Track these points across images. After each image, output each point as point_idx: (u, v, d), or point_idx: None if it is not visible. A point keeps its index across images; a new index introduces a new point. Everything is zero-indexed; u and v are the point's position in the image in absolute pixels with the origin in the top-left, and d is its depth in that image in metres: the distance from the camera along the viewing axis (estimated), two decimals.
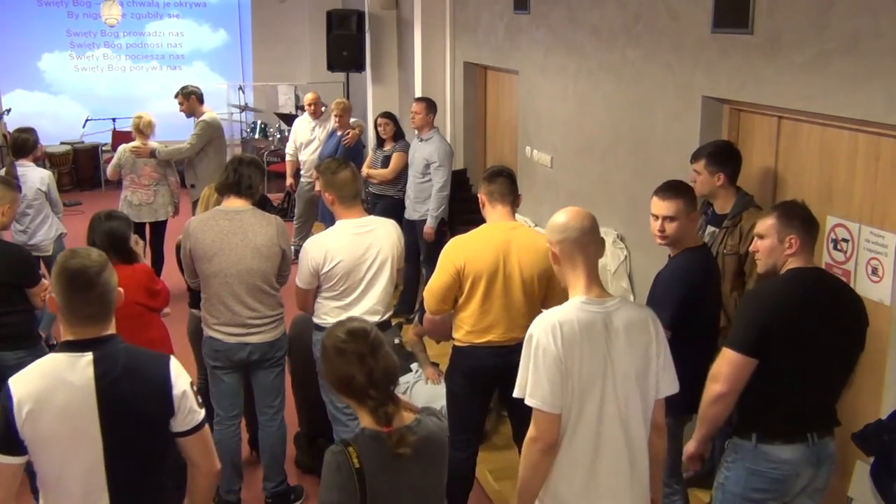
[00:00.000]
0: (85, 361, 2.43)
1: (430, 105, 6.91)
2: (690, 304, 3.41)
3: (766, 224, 3.13)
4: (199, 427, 2.56)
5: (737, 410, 3.09)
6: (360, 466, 2.35)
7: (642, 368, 2.71)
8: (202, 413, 2.57)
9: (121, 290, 2.55)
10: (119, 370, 2.45)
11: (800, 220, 3.08)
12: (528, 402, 2.66)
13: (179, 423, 2.52)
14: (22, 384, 2.40)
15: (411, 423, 2.47)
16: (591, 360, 2.64)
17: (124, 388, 2.45)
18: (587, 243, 2.75)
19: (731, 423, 3.16)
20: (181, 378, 2.54)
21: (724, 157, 4.07)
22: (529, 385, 2.65)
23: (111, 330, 2.51)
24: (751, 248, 3.25)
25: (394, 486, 2.41)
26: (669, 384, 2.76)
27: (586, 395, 2.65)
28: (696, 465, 3.34)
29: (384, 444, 2.38)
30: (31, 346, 4.32)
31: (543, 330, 2.64)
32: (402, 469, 2.41)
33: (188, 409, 2.52)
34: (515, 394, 2.70)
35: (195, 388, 2.58)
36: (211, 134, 7.48)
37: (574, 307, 2.70)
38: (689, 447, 3.26)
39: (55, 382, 2.40)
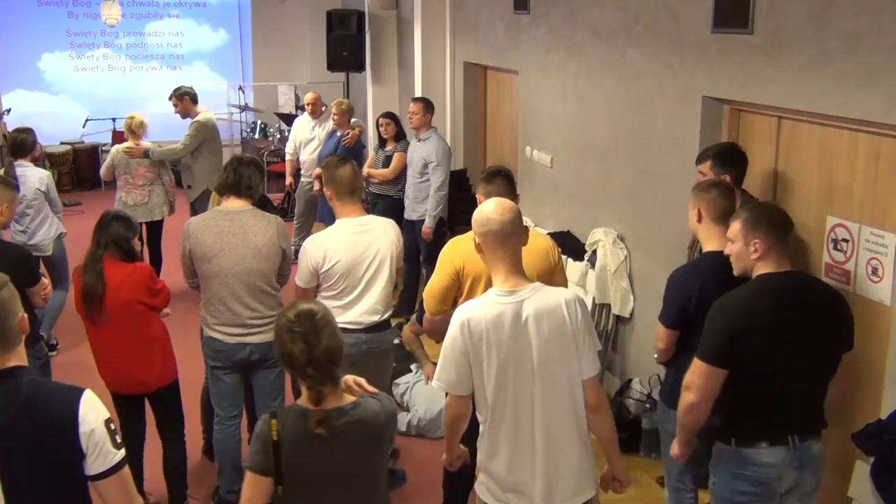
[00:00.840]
0: None
1: (427, 105, 6.92)
2: (697, 305, 3.38)
3: (734, 228, 3.12)
4: (114, 470, 2.27)
5: (718, 415, 3.09)
6: (277, 439, 2.51)
7: (558, 352, 2.85)
8: (119, 454, 2.29)
9: (24, 315, 2.32)
10: (17, 407, 2.21)
11: (767, 223, 3.03)
12: (434, 384, 2.97)
13: (90, 466, 2.25)
14: None
15: (346, 405, 2.57)
16: (498, 350, 2.82)
17: (22, 427, 2.21)
18: (508, 235, 2.89)
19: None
20: (92, 415, 2.25)
21: (730, 158, 4.02)
22: (438, 369, 2.92)
23: (16, 361, 2.28)
24: (725, 252, 3.21)
25: (311, 462, 2.54)
26: (589, 366, 2.89)
27: (499, 381, 2.85)
28: (684, 459, 3.35)
29: (308, 422, 2.50)
30: (31, 345, 4.32)
31: (455, 323, 2.87)
32: (322, 447, 2.51)
33: (99, 449, 2.25)
34: (433, 377, 2.99)
35: (113, 425, 2.30)
36: (205, 134, 7.47)
37: (486, 299, 2.90)
38: (673, 448, 3.30)
39: None
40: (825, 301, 3.06)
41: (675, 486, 3.73)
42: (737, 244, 3.11)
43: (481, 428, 2.99)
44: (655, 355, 3.75)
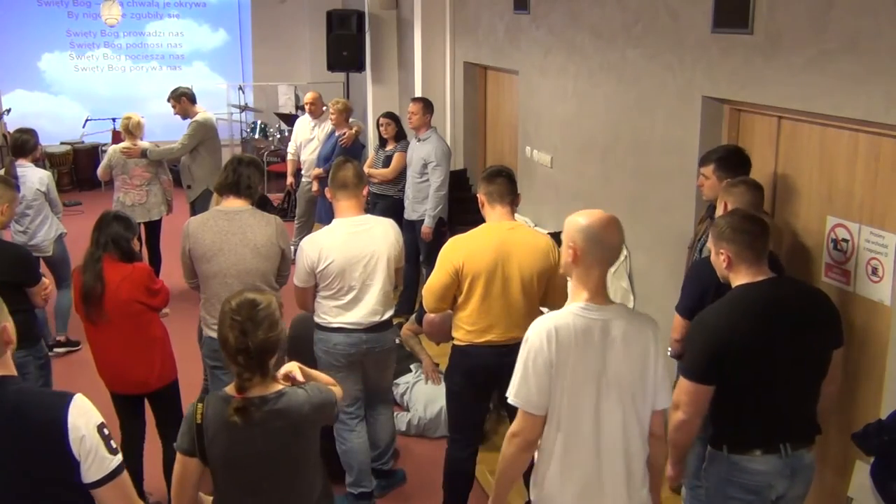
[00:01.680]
0: None
1: (426, 105, 6.92)
2: (715, 297, 3.32)
3: (710, 235, 3.12)
4: (111, 476, 2.21)
5: (710, 422, 3.08)
6: (200, 423, 2.66)
7: (638, 378, 2.69)
8: (115, 459, 2.23)
9: (8, 326, 2.26)
10: (4, 417, 2.16)
11: (731, 231, 2.98)
12: (511, 400, 2.70)
13: (86, 473, 2.18)
14: None
15: (270, 394, 2.67)
16: (584, 366, 2.64)
17: (11, 435, 2.15)
18: (610, 259, 2.75)
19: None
20: (82, 420, 2.18)
21: (733, 163, 4.01)
22: (516, 384, 2.69)
23: (4, 371, 2.23)
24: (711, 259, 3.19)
25: (229, 446, 2.66)
26: (666, 397, 2.76)
27: (578, 401, 2.66)
28: (677, 481, 3.33)
29: (227, 408, 2.62)
30: (31, 346, 4.32)
31: (538, 333, 2.66)
32: (240, 433, 2.63)
33: (93, 456, 2.18)
34: (507, 392, 2.73)
35: (107, 430, 2.24)
36: (203, 134, 7.47)
37: (572, 312, 2.69)
38: (667, 470, 3.22)
39: None
40: (806, 303, 3.01)
41: (693, 483, 3.72)
42: (712, 253, 3.11)
43: (541, 453, 2.75)
44: (669, 349, 3.74)
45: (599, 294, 2.71)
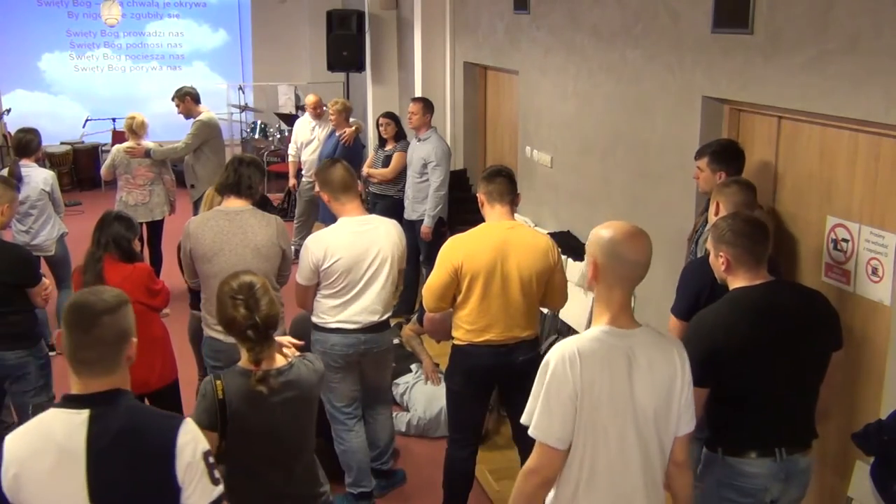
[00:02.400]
0: (80, 420, 2.12)
1: (426, 105, 6.92)
2: (709, 299, 3.33)
3: (710, 237, 3.11)
4: None
5: (707, 424, 3.07)
6: (223, 398, 2.80)
7: (664, 405, 2.51)
8: (217, 490, 2.16)
9: (135, 341, 2.23)
10: (114, 433, 2.11)
11: (733, 235, 2.95)
12: (531, 433, 2.47)
13: (186, 502, 2.12)
14: (14, 442, 2.14)
15: (283, 366, 2.90)
16: (610, 396, 2.43)
17: (119, 455, 2.10)
18: (634, 278, 2.53)
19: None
20: (191, 446, 2.14)
21: (727, 155, 4.06)
22: (537, 414, 2.45)
23: (119, 384, 2.19)
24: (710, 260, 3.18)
25: (253, 417, 2.82)
26: (689, 422, 2.59)
27: (604, 433, 2.45)
28: None
29: (249, 381, 2.79)
30: (31, 346, 4.33)
31: (561, 358, 2.42)
32: (263, 404, 2.81)
33: (196, 484, 2.12)
34: (523, 420, 2.52)
35: (212, 458, 2.18)
36: (207, 134, 7.48)
37: (596, 336, 2.48)
38: None
39: (44, 444, 2.11)
40: (804, 307, 3.00)
41: (694, 483, 3.72)
42: (711, 254, 3.10)
43: (562, 488, 2.52)
44: None
45: (623, 315, 2.51)
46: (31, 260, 4.43)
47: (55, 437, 2.11)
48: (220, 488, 2.19)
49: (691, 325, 3.04)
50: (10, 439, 2.15)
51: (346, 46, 10.27)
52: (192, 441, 2.15)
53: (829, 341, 3.05)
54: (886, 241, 3.58)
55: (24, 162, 6.21)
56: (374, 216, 4.37)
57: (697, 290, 3.48)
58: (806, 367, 3.00)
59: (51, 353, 5.06)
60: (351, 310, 4.16)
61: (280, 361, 2.92)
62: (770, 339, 2.91)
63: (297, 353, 3.02)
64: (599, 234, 2.54)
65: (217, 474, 2.19)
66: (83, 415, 2.12)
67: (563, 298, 4.06)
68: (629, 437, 2.46)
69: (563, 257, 4.47)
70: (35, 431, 2.16)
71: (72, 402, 2.16)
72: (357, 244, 4.13)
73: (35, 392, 4.31)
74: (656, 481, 2.56)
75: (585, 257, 2.62)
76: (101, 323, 2.14)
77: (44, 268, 5.30)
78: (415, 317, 5.87)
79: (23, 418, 4.35)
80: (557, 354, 2.43)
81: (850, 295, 3.77)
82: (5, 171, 5.95)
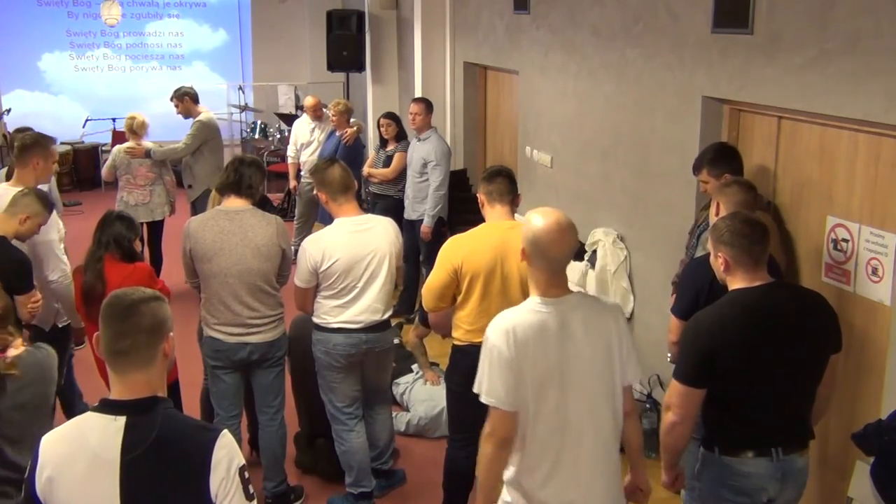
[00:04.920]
0: (116, 427, 2.08)
1: (428, 105, 6.93)
2: (709, 298, 3.33)
3: (710, 237, 3.11)
4: None
5: (704, 424, 3.08)
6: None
7: (604, 361, 2.78)
8: None
9: (172, 336, 2.19)
10: (149, 443, 2.06)
11: (732, 236, 2.95)
12: (483, 399, 2.77)
13: None
14: (49, 445, 2.12)
15: (21, 353, 3.08)
16: (545, 360, 2.71)
17: (153, 464, 2.06)
18: (556, 268, 2.79)
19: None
20: (226, 460, 2.08)
21: (723, 158, 4.08)
22: (485, 384, 2.76)
23: (157, 387, 2.15)
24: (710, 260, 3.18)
25: (2, 401, 2.98)
26: (633, 371, 2.85)
27: (542, 393, 2.72)
28: (678, 487, 3.32)
29: None
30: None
31: (497, 333, 2.73)
32: (5, 388, 2.98)
33: (230, 499, 2.07)
34: (475, 389, 2.80)
35: (247, 474, 2.12)
36: (206, 134, 7.48)
37: (529, 308, 2.78)
38: (662, 477, 3.22)
39: (79, 449, 2.09)
40: (803, 308, 2.99)
41: (692, 483, 3.72)
42: (711, 254, 3.10)
43: (514, 449, 2.81)
44: (668, 356, 3.73)
45: (553, 287, 2.79)
46: (25, 265, 4.35)
47: (90, 442, 2.09)
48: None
49: (689, 324, 3.04)
50: (45, 441, 2.14)
51: (346, 46, 10.27)
52: (227, 455, 2.09)
53: (827, 344, 3.04)
54: (886, 241, 3.58)
55: None
56: (370, 216, 4.37)
57: (697, 290, 3.48)
58: (803, 368, 2.99)
59: (77, 347, 5.06)
60: (353, 310, 4.16)
61: (20, 347, 3.10)
62: (767, 340, 2.91)
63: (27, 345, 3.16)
64: (528, 227, 2.81)
65: (252, 490, 2.13)
66: (119, 422, 2.09)
67: None
68: (571, 394, 2.74)
69: None
70: (70, 435, 2.13)
71: (109, 407, 2.12)
72: (355, 244, 4.13)
73: None
74: (607, 432, 2.81)
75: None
76: (138, 311, 2.12)
77: None
78: (416, 318, 5.86)
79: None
80: (494, 328, 2.75)
81: (850, 295, 3.77)
82: (5, 171, 5.95)
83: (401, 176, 7.12)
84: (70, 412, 4.64)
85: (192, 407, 4.69)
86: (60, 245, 4.57)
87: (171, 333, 2.19)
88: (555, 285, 2.79)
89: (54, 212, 4.56)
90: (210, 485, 2.05)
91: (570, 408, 2.75)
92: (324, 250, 4.09)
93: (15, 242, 4.20)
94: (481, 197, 3.96)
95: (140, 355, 2.11)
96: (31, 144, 4.77)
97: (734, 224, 2.99)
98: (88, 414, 2.15)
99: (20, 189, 4.37)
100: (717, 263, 3.04)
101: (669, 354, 3.70)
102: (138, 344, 2.10)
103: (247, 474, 2.12)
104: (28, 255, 4.29)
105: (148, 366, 2.13)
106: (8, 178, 5.12)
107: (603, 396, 2.79)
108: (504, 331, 2.72)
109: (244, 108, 12.15)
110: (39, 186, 4.69)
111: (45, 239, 4.43)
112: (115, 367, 2.13)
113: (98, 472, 2.07)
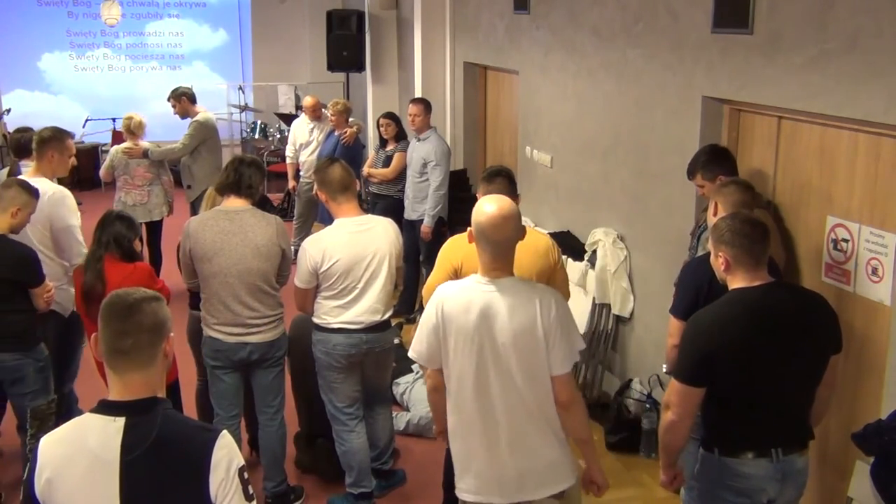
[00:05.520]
0: (115, 428, 2.07)
1: (427, 106, 6.94)
2: (707, 298, 3.32)
3: (710, 237, 3.11)
4: None
5: (703, 424, 3.07)
6: None
7: (527, 346, 2.90)
8: None
9: (172, 336, 2.19)
10: (149, 443, 2.06)
11: (732, 236, 2.95)
12: (409, 354, 3.13)
13: None
14: (48, 446, 2.11)
15: None
16: (464, 333, 2.91)
17: (153, 465, 2.06)
18: (500, 240, 2.95)
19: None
20: (225, 461, 2.08)
21: (716, 160, 4.09)
22: (414, 342, 3.07)
23: (156, 387, 2.15)
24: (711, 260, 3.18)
25: None
26: (562, 363, 2.93)
27: (461, 365, 2.95)
28: (676, 486, 3.32)
29: None
30: (29, 347, 4.29)
31: (432, 301, 3.02)
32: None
33: (230, 500, 2.07)
34: (409, 350, 3.13)
35: (247, 474, 2.13)
36: (204, 134, 7.47)
37: (464, 284, 3.02)
38: (661, 476, 3.24)
39: (78, 450, 2.08)
40: (804, 309, 2.98)
41: (692, 483, 3.72)
42: (711, 254, 3.10)
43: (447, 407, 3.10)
44: (664, 366, 3.70)
45: (493, 269, 2.96)
46: (34, 259, 4.40)
47: (89, 443, 2.08)
48: None
49: (688, 324, 3.04)
50: (45, 442, 2.13)
51: (346, 46, 10.27)
52: (227, 456, 2.09)
53: (827, 344, 3.03)
54: (886, 241, 3.58)
55: (24, 162, 6.20)
56: (370, 216, 4.37)
57: (695, 289, 3.47)
58: (803, 368, 2.98)
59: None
60: (353, 310, 4.16)
61: None
62: (767, 340, 2.90)
63: None
64: (475, 213, 3.01)
65: (251, 490, 2.13)
66: (119, 422, 2.08)
67: (566, 296, 4.06)
68: (491, 369, 2.92)
69: (563, 257, 4.47)
70: (70, 436, 2.12)
71: (108, 408, 2.11)
72: (355, 245, 4.13)
73: (33, 395, 4.28)
74: (528, 413, 2.95)
75: None
76: (140, 310, 2.11)
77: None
78: (416, 318, 5.86)
79: (22, 422, 4.35)
80: (433, 297, 3.03)
81: (850, 295, 3.77)
82: (5, 171, 5.95)
83: (400, 176, 7.12)
84: (67, 416, 4.65)
85: (191, 406, 4.69)
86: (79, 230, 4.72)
87: (172, 334, 2.19)
88: (495, 268, 2.96)
89: (72, 198, 4.72)
90: (210, 485, 2.05)
91: (491, 385, 2.93)
92: (324, 251, 4.09)
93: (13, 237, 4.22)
94: (481, 197, 3.96)
95: (141, 355, 2.10)
96: (48, 138, 4.90)
97: (735, 224, 2.99)
98: (87, 415, 2.14)
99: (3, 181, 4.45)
100: (718, 263, 3.03)
101: (665, 364, 3.69)
102: (140, 343, 2.10)
103: (246, 475, 2.12)
104: (34, 248, 4.35)
105: (148, 366, 2.12)
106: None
107: (521, 381, 2.91)
108: (436, 301, 2.99)
109: (244, 108, 12.15)
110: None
111: (64, 225, 4.62)
112: (114, 367, 2.12)
113: (98, 473, 2.06)
